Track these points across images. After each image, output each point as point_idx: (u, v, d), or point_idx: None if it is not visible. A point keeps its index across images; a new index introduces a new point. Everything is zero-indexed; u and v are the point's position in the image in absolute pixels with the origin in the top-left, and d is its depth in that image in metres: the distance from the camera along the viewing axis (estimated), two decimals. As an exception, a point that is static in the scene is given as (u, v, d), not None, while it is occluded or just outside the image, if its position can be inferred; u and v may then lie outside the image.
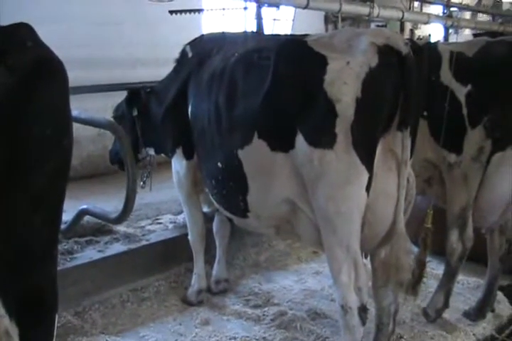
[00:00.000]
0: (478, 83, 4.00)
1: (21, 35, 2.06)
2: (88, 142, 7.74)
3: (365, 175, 3.13)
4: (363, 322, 3.36)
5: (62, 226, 4.92)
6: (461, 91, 4.01)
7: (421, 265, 3.83)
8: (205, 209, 5.19)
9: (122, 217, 4.29)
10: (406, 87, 3.13)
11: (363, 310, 3.34)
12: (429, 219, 4.15)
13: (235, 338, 4.34)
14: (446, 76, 4.09)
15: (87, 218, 5.31)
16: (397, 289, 3.61)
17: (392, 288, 3.62)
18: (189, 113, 4.26)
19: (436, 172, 4.32)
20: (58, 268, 4.04)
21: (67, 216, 4.93)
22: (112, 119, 4.93)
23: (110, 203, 5.32)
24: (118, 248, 5.11)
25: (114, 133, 4.22)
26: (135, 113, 4.95)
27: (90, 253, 4.94)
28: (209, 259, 5.17)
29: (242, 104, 3.57)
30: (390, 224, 3.37)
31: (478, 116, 3.99)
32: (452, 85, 4.04)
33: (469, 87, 4.01)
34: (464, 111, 4.00)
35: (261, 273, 5.54)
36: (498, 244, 4.57)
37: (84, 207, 4.85)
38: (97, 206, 4.83)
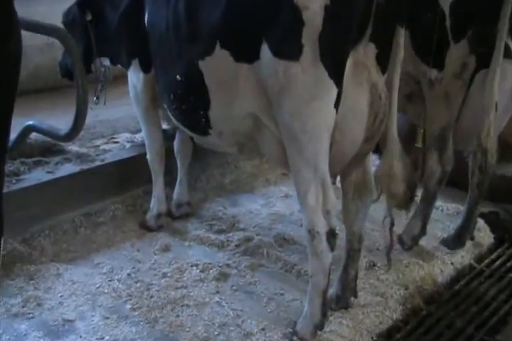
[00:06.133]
0: None
1: None
2: (35, 52, 7.61)
3: (334, 90, 3.24)
4: (332, 248, 3.54)
5: (7, 145, 5.00)
6: (446, 0, 4.05)
7: (412, 186, 3.86)
8: (165, 126, 5.32)
9: (72, 133, 4.31)
10: None
11: (331, 234, 3.51)
12: (419, 138, 4.27)
13: (196, 265, 4.54)
14: None
15: (35, 136, 5.39)
16: (390, 202, 3.76)
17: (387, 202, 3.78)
18: (146, 20, 4.29)
19: (417, 88, 4.43)
20: (3, 191, 4.17)
21: (12, 134, 4.96)
22: (61, 26, 4.94)
23: (61, 120, 5.32)
24: (69, 169, 5.15)
25: (61, 40, 4.22)
26: (89, 17, 4.92)
27: (38, 175, 5.00)
28: (169, 181, 5.30)
29: (203, 11, 3.61)
30: (360, 144, 3.53)
31: (462, 29, 4.06)
32: None
33: None
34: (448, 22, 4.05)
35: (226, 196, 5.73)
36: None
37: (30, 122, 4.84)
38: (44, 122, 4.84)
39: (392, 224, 3.89)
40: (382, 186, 3.70)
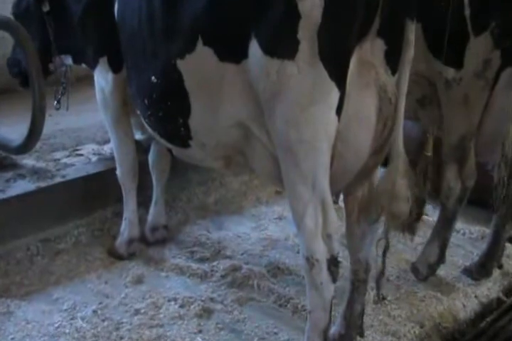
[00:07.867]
0: None
1: None
2: (-18, 48, 7.68)
3: (335, 94, 3.24)
4: (334, 279, 3.53)
5: None
6: None
7: (420, 202, 3.90)
8: (139, 136, 5.35)
9: (27, 144, 4.25)
10: None
11: (333, 263, 3.50)
12: (428, 145, 4.27)
13: (175, 299, 4.56)
14: None
15: (-19, 148, 5.38)
16: (391, 224, 3.74)
17: (386, 223, 3.76)
18: (115, 11, 4.32)
19: (431, 91, 4.45)
20: None
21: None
22: (11, 17, 4.95)
23: (14, 129, 5.23)
24: (24, 186, 5.16)
25: (12, 34, 4.20)
26: (46, 8, 4.94)
27: (-14, 194, 4.98)
28: (143, 201, 5.33)
29: (182, 1, 3.63)
30: (367, 156, 3.54)
31: (484, 20, 4.07)
32: None
33: None
34: (467, 12, 4.07)
35: (209, 218, 5.78)
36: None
37: (-24, 132, 4.83)
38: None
39: (386, 248, 3.91)
40: (382, 205, 3.70)
